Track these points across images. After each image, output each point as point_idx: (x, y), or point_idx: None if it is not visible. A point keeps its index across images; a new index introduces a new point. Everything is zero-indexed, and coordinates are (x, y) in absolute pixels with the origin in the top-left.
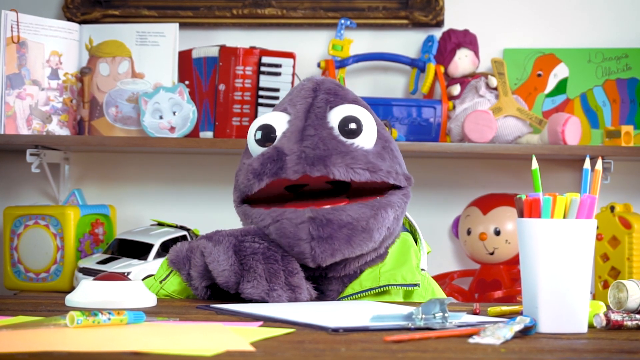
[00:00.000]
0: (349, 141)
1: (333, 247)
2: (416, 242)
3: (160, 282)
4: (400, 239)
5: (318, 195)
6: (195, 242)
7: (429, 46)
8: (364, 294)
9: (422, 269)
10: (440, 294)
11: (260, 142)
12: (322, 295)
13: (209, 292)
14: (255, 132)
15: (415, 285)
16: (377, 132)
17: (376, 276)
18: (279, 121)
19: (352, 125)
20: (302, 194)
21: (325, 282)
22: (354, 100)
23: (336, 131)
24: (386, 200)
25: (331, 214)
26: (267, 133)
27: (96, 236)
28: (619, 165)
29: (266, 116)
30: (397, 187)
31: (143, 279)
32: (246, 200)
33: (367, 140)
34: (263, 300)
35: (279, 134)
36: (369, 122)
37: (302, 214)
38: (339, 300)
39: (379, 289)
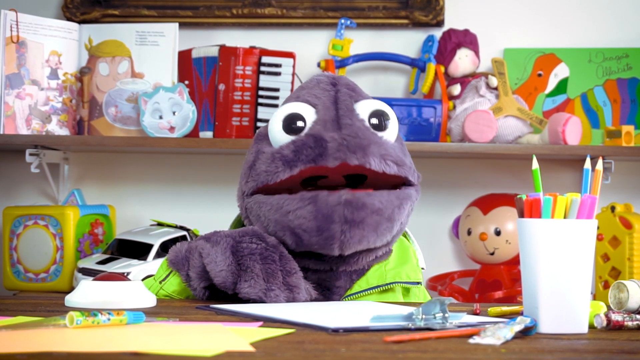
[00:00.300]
0: (379, 133)
1: (362, 232)
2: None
3: (160, 282)
4: (398, 239)
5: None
6: (194, 242)
7: (429, 46)
8: (370, 291)
9: (423, 268)
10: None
11: (286, 131)
12: (328, 291)
13: (207, 293)
14: (281, 121)
15: (418, 283)
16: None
17: (382, 274)
18: (305, 111)
19: (381, 119)
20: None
21: (333, 278)
22: (370, 98)
23: (367, 123)
24: (407, 192)
25: (366, 198)
26: (294, 122)
27: (96, 236)
28: (620, 165)
29: (290, 106)
30: (407, 184)
31: (143, 279)
32: (258, 192)
33: (392, 135)
34: (260, 300)
35: (308, 123)
36: (393, 118)
37: (338, 197)
38: (345, 297)
39: (385, 287)
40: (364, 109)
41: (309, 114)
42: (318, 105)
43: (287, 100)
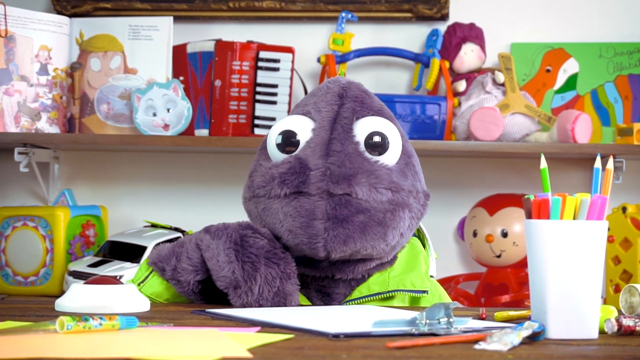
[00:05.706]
0: (374, 158)
1: (347, 232)
2: (424, 247)
3: (139, 284)
4: (409, 244)
5: None
6: (186, 237)
7: (433, 40)
8: (372, 298)
9: (431, 276)
10: (447, 300)
11: (280, 147)
12: (328, 298)
13: (200, 286)
14: (277, 135)
15: (424, 292)
16: (402, 146)
17: (385, 280)
18: (303, 127)
19: (378, 141)
20: None
21: (333, 285)
22: (379, 110)
23: (362, 147)
24: (403, 200)
25: (350, 197)
26: (289, 138)
27: (87, 238)
28: (631, 164)
29: (289, 119)
30: None
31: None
32: None
33: (392, 157)
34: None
35: (301, 140)
36: (395, 138)
37: (321, 192)
38: (345, 303)
39: (387, 294)
40: (362, 129)
41: (306, 131)
42: (317, 122)
43: (294, 110)
